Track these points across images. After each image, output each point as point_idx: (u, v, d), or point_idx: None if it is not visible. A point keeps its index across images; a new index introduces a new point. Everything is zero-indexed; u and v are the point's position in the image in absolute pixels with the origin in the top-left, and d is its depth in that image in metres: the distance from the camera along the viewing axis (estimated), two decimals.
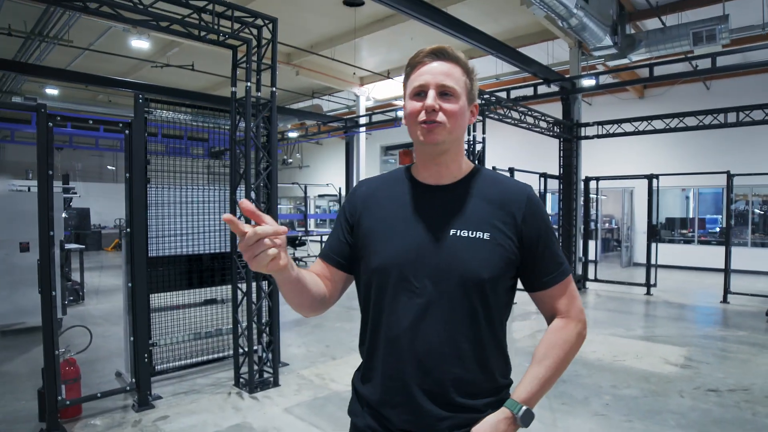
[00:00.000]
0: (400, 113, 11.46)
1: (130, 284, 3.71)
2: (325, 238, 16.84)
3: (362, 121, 12.89)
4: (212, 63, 11.19)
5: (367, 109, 13.78)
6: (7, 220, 5.61)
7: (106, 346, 5.16)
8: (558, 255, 1.14)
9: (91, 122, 3.61)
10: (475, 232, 1.07)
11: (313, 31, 10.09)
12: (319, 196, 19.01)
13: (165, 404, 3.73)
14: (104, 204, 16.54)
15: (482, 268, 1.05)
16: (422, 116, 1.07)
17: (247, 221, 0.89)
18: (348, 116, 13.95)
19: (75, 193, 7.57)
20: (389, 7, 5.86)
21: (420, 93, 1.08)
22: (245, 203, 0.84)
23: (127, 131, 3.57)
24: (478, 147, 7.18)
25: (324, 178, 19.10)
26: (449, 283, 1.05)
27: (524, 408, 1.06)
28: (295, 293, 1.05)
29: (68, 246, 6.93)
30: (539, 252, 1.11)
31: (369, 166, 14.27)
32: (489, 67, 10.78)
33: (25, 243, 5.76)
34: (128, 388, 3.67)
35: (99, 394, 3.53)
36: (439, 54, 1.08)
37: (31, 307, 5.61)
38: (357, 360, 1.21)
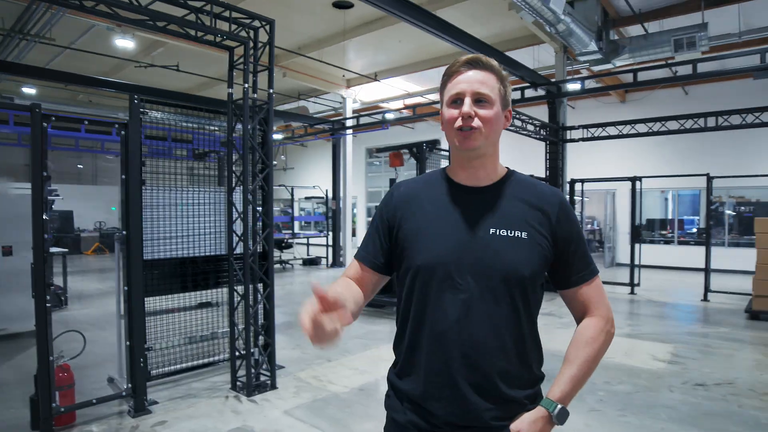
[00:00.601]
0: (388, 115, 11.48)
1: (125, 288, 3.65)
2: (311, 240, 16.54)
3: (349, 123, 12.89)
4: (197, 64, 11.06)
5: (354, 111, 13.77)
6: None
7: (96, 351, 5.03)
8: (587, 255, 1.20)
9: (86, 123, 3.52)
10: (513, 231, 1.12)
11: (301, 33, 10.06)
12: (305, 198, 18.91)
13: (162, 409, 3.67)
14: (82, 206, 16.14)
15: (523, 266, 1.10)
16: (459, 123, 1.11)
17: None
18: (335, 118, 13.92)
19: (58, 195, 7.39)
20: (379, 9, 5.87)
21: (456, 101, 1.13)
22: (318, 289, 0.90)
23: (123, 132, 3.52)
24: None
25: (308, 180, 19.00)
26: (492, 279, 1.09)
27: (560, 406, 1.10)
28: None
29: (52, 250, 6.74)
30: (571, 251, 1.17)
31: (355, 168, 14.25)
32: None
33: (8, 247, 5.59)
34: (124, 393, 3.60)
35: (94, 401, 3.46)
36: (474, 63, 1.14)
37: (14, 313, 5.45)
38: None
